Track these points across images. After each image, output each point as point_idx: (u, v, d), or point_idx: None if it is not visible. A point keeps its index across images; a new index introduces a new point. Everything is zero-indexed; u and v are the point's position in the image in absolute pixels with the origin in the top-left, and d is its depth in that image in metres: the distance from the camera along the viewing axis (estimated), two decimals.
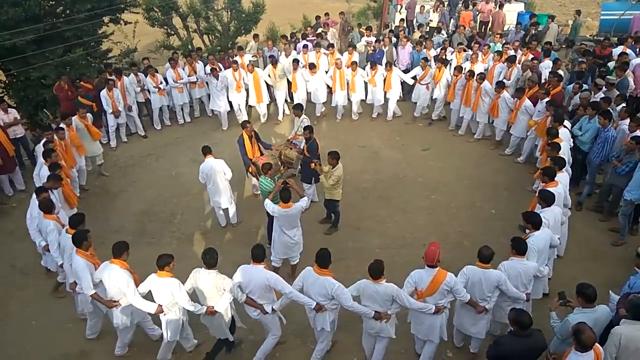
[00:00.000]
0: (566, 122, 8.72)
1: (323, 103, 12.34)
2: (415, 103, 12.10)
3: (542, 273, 5.84)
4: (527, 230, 6.13)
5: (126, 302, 5.76)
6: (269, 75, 11.96)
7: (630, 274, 5.97)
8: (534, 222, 6.00)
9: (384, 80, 11.73)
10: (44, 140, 8.85)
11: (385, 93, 11.94)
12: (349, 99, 12.26)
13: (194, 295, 5.75)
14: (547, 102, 9.20)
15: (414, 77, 11.99)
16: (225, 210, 8.70)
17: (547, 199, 6.43)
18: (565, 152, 7.85)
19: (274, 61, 12.00)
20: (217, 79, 11.61)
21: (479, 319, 5.68)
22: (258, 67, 12.43)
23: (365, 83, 11.97)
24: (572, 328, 4.44)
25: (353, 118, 12.44)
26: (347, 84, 11.96)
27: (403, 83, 12.12)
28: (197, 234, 8.70)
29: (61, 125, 9.31)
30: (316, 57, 12.43)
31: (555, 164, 7.12)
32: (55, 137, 8.86)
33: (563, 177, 7.06)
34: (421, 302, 5.40)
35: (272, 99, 12.76)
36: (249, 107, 12.47)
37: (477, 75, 10.55)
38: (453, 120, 11.72)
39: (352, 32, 15.38)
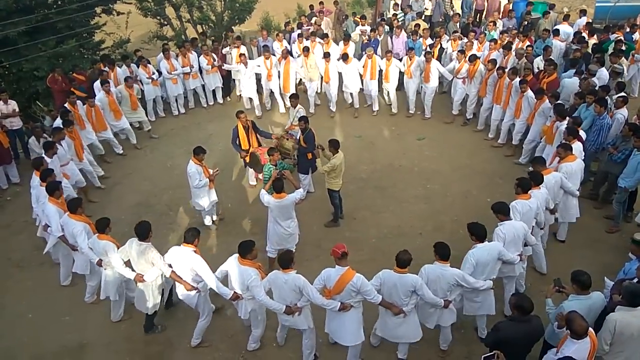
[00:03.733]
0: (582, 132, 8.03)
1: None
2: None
3: (468, 283, 5.48)
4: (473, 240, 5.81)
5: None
6: (259, 65, 11.69)
7: (625, 261, 6.03)
8: (478, 235, 5.69)
9: (379, 70, 11.51)
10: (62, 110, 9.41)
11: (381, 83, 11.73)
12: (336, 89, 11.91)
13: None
14: (554, 106, 8.67)
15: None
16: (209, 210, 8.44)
17: (502, 210, 6.05)
18: (576, 171, 7.24)
19: (285, 53, 11.67)
20: (246, 67, 11.57)
21: (401, 322, 5.52)
22: (252, 58, 12.37)
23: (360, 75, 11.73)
24: (565, 317, 4.47)
25: (373, 109, 12.09)
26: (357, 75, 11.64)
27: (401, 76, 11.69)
28: (193, 226, 8.68)
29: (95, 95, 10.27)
30: (311, 47, 12.34)
31: (532, 179, 6.56)
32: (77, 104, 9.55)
33: (540, 194, 6.51)
34: (327, 299, 5.33)
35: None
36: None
37: (509, 70, 9.85)
38: (482, 120, 11.05)
39: (347, 21, 15.28)
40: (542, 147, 9.01)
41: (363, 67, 11.49)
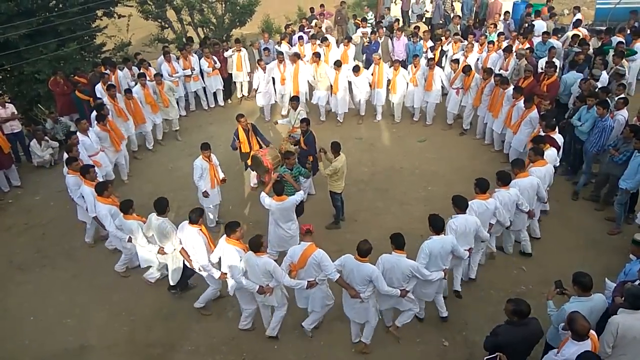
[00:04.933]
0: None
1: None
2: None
3: (422, 275, 5.66)
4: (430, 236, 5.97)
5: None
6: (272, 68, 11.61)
7: (625, 262, 6.02)
8: (436, 227, 5.84)
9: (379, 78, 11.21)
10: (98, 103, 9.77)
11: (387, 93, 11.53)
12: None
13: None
14: (540, 115, 8.55)
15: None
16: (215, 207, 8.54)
17: (459, 204, 6.16)
18: (545, 176, 7.21)
19: (317, 56, 11.35)
20: (265, 71, 11.54)
21: (360, 307, 5.81)
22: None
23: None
24: (566, 317, 4.47)
25: (377, 118, 11.89)
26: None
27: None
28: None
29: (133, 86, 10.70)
30: (312, 50, 12.36)
31: (499, 178, 6.68)
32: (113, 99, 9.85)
33: (505, 195, 6.59)
34: (295, 280, 5.80)
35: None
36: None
37: (499, 79, 9.66)
38: (480, 128, 10.83)
39: (347, 24, 15.31)
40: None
41: (372, 75, 11.24)
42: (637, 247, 5.81)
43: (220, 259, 6.20)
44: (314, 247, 5.73)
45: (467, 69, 10.49)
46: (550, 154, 7.58)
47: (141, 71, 11.07)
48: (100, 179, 7.91)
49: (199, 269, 6.45)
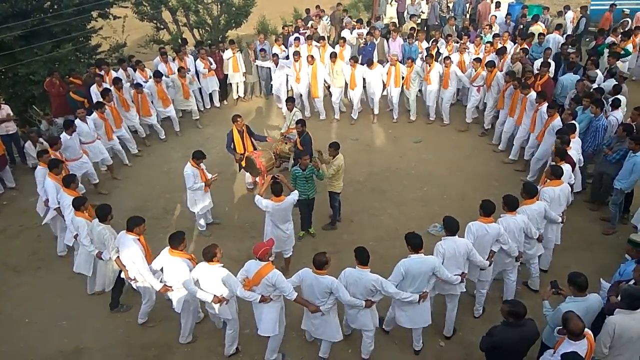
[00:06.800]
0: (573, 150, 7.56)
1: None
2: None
3: (386, 292, 5.43)
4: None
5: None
6: (289, 66, 11.71)
7: (620, 262, 6.04)
8: (414, 245, 5.53)
9: (388, 74, 11.28)
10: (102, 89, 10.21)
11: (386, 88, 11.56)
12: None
13: None
14: (557, 131, 8.15)
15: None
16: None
17: (449, 226, 5.76)
18: (560, 197, 6.74)
19: (311, 58, 11.48)
20: (277, 65, 11.71)
21: (322, 322, 5.66)
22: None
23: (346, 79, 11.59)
24: (561, 316, 4.48)
25: (394, 116, 11.92)
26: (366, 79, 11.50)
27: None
28: (189, 230, 8.67)
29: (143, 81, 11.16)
30: (308, 50, 12.36)
31: (506, 203, 6.23)
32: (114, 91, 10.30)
33: (510, 221, 6.13)
34: (248, 292, 5.58)
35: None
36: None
37: (505, 73, 9.54)
38: (497, 133, 10.59)
39: (343, 24, 15.30)
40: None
41: (387, 74, 11.32)
42: (632, 247, 5.83)
43: (162, 271, 6.03)
44: (271, 266, 5.55)
45: (490, 64, 10.35)
46: (565, 169, 7.01)
47: (158, 69, 11.55)
48: (90, 167, 9.10)
49: (134, 278, 6.23)
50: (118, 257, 6.27)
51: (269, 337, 5.86)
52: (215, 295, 5.71)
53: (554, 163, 7.11)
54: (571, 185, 7.26)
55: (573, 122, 8.21)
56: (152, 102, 11.00)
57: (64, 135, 8.77)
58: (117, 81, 10.48)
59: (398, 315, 5.86)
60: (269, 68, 12.61)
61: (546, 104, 8.70)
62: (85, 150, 9.22)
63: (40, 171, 7.85)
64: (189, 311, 6.23)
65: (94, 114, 9.57)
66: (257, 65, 12.79)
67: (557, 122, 8.45)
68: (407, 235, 5.62)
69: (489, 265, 6.10)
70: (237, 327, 6.13)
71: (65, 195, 7.21)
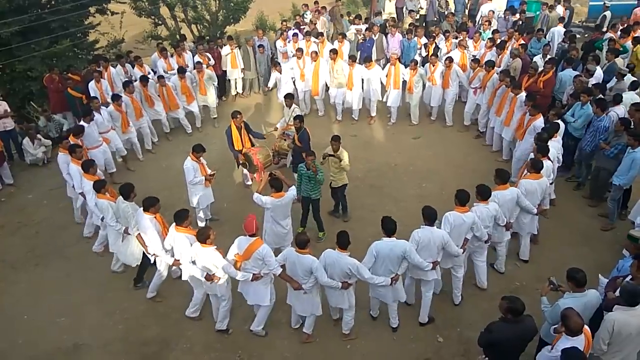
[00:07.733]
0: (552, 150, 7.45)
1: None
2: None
3: (361, 276, 5.69)
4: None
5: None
6: (292, 68, 11.59)
7: (619, 258, 6.05)
8: (386, 229, 5.83)
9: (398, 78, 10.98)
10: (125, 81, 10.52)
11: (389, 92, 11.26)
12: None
13: None
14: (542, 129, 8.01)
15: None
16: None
17: (428, 216, 5.95)
18: (537, 190, 6.83)
19: (315, 55, 11.35)
20: (281, 73, 11.52)
21: (305, 299, 5.98)
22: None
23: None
24: (560, 314, 4.49)
25: (391, 120, 11.65)
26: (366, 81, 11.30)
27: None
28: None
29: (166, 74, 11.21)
30: (306, 46, 12.33)
31: (479, 192, 6.38)
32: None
33: (483, 210, 6.32)
34: (240, 272, 5.91)
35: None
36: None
37: (500, 72, 9.32)
38: (489, 134, 10.46)
39: (343, 20, 15.27)
40: None
41: (386, 75, 11.11)
42: (631, 242, 5.84)
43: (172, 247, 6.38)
44: (260, 241, 5.93)
45: (490, 64, 10.16)
46: (547, 165, 7.09)
47: (196, 60, 11.67)
48: (109, 156, 9.28)
49: (153, 254, 6.62)
50: (139, 234, 6.60)
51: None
52: (207, 274, 5.98)
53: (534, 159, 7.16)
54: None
55: (557, 121, 8.21)
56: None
57: (83, 124, 8.90)
58: (143, 79, 10.54)
59: (373, 293, 6.28)
60: (267, 64, 12.55)
61: (541, 118, 8.43)
62: (105, 138, 9.36)
63: (62, 157, 8.02)
64: (195, 281, 6.37)
65: (111, 106, 9.67)
66: (256, 61, 12.73)
67: (539, 122, 8.36)
68: (383, 219, 5.89)
69: (462, 253, 6.34)
70: (230, 304, 6.39)
71: (85, 181, 7.43)
